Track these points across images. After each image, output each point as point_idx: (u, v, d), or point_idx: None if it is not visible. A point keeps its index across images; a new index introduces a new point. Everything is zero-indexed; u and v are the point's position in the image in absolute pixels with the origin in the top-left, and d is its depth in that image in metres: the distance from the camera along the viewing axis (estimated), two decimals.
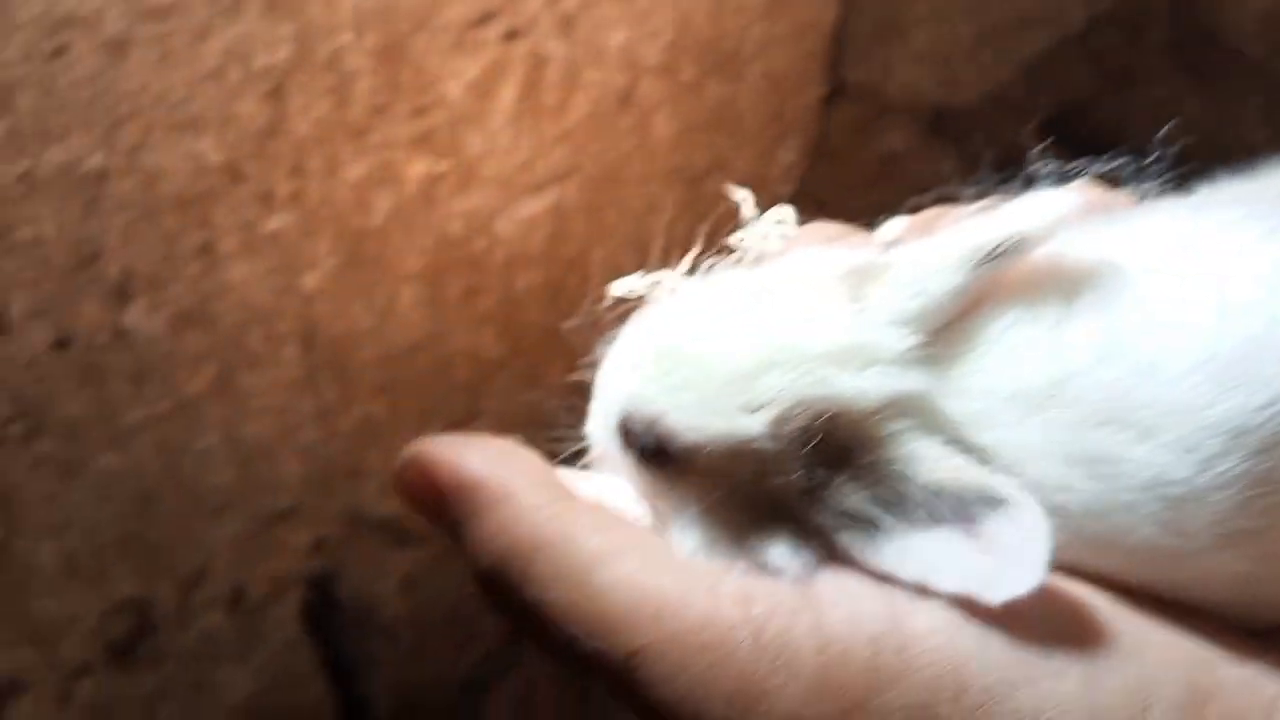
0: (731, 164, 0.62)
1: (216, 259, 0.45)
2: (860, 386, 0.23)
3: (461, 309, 0.53)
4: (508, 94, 0.49)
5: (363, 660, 0.64)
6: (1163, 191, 0.27)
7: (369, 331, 0.50)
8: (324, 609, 0.62)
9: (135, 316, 0.44)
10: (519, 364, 0.57)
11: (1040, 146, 0.27)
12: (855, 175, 0.74)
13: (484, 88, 0.48)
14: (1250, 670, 0.22)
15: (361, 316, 0.49)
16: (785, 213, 0.32)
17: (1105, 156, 0.28)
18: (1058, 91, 0.75)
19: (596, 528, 0.24)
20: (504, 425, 0.59)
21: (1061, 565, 0.22)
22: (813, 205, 0.78)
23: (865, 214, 0.31)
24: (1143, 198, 0.27)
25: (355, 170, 0.46)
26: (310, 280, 0.47)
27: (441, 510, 0.26)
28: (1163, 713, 0.21)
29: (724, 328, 0.25)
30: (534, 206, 0.53)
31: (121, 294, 0.43)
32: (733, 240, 0.31)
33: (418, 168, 0.48)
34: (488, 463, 0.26)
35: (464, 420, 0.57)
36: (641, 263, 0.30)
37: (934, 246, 0.24)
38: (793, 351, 0.23)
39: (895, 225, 0.30)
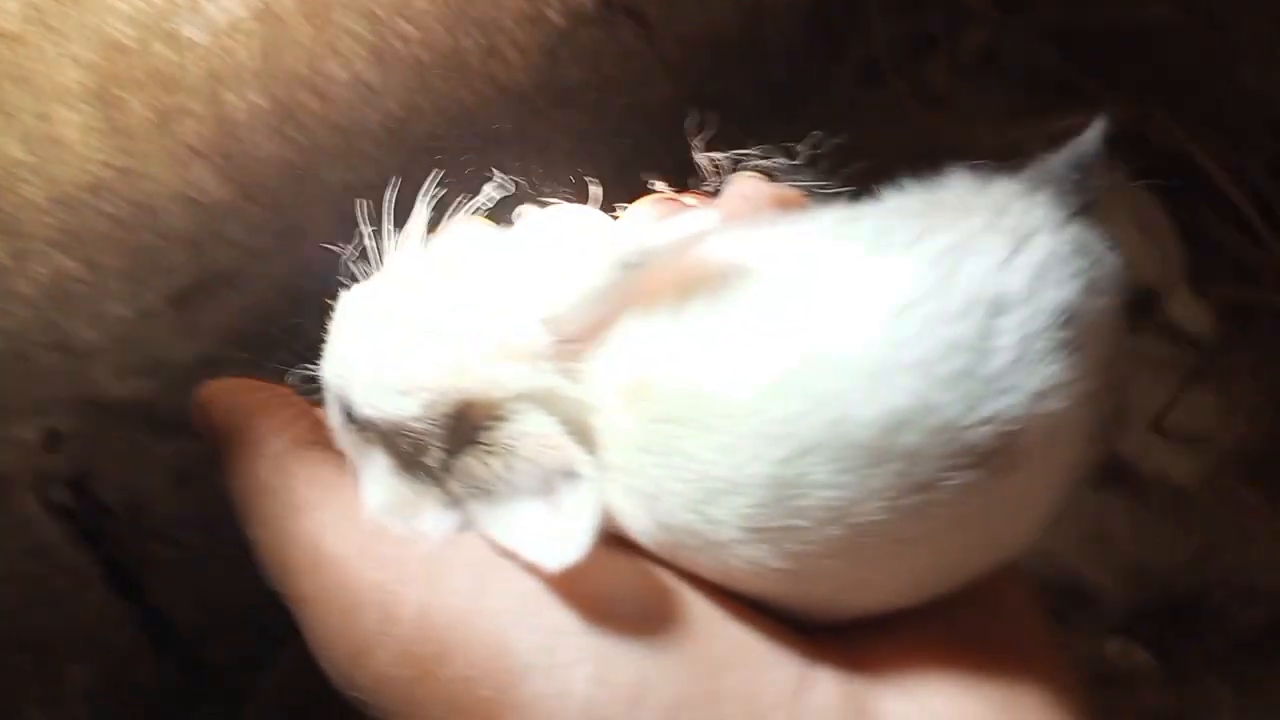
0: None
1: None
2: (496, 380, 0.26)
3: (156, 138, 0.43)
4: None
5: (144, 567, 0.57)
6: (829, 188, 0.31)
7: (27, 167, 0.41)
8: (84, 510, 0.54)
9: None
10: (254, 209, 0.47)
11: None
12: None
13: None
14: (772, 677, 0.24)
15: (11, 147, 0.40)
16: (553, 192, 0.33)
17: (760, 150, 0.32)
18: None
19: (311, 481, 0.27)
20: (251, 291, 0.50)
21: (655, 553, 0.26)
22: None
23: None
24: (809, 192, 0.31)
25: None
26: None
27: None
28: (647, 714, 0.23)
29: (402, 313, 0.27)
30: (231, 5, 0.42)
31: None
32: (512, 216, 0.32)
33: None
34: (249, 406, 0.29)
35: (200, 283, 0.48)
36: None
37: (582, 252, 0.27)
38: (446, 344, 0.26)
39: (640, 208, 0.32)
